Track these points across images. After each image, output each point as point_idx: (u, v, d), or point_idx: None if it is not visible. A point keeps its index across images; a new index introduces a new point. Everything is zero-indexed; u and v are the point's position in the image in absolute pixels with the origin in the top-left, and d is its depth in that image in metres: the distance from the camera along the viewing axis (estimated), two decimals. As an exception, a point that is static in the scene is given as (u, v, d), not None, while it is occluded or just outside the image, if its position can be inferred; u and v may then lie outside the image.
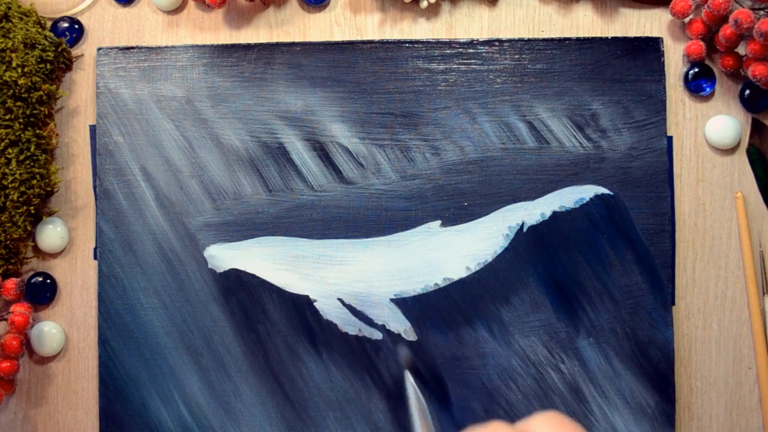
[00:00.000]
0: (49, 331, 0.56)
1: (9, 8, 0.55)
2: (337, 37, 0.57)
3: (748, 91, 0.55)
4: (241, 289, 0.55)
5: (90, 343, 0.57)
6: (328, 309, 0.55)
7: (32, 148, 0.54)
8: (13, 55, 0.53)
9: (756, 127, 0.56)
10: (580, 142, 0.55)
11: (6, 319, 0.54)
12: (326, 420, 0.54)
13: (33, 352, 0.56)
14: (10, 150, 0.54)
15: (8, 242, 0.54)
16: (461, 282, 0.54)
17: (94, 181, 0.57)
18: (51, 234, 0.56)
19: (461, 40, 0.56)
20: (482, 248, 0.54)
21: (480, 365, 0.54)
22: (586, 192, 0.55)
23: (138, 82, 0.56)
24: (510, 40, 0.56)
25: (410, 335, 0.54)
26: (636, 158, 0.55)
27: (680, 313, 0.55)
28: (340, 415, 0.54)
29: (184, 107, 0.56)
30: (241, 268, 0.55)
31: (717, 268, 0.56)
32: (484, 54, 0.56)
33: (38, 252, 0.57)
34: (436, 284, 0.54)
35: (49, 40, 0.56)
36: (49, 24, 0.58)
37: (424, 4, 0.56)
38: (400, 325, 0.54)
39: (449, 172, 0.55)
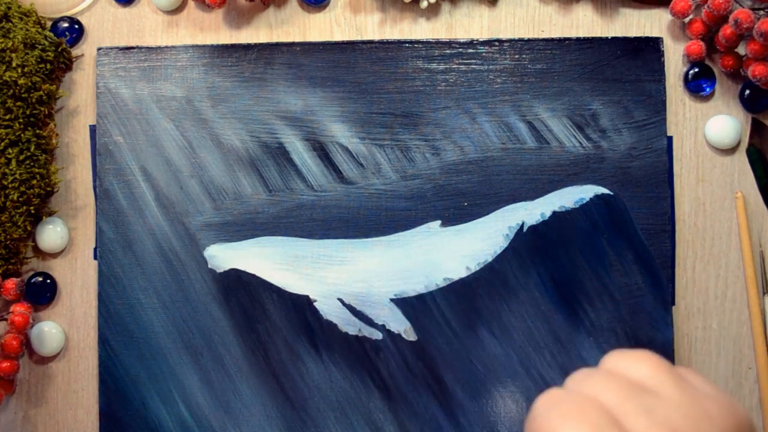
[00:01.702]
0: (49, 331, 0.56)
1: (9, 8, 0.55)
2: (337, 37, 0.57)
3: (748, 91, 0.55)
4: (241, 289, 0.55)
5: (90, 343, 0.57)
6: (328, 309, 0.55)
7: (32, 148, 0.54)
8: (13, 55, 0.53)
9: (756, 127, 0.56)
10: (580, 142, 0.55)
11: (6, 319, 0.54)
12: (326, 420, 0.54)
13: (33, 352, 0.56)
14: (10, 150, 0.54)
15: (8, 242, 0.54)
16: (461, 282, 0.54)
17: (94, 181, 0.57)
18: (51, 234, 0.56)
19: (461, 40, 0.56)
20: (482, 248, 0.54)
21: (480, 365, 0.54)
22: (586, 192, 0.55)
23: (138, 82, 0.56)
24: (510, 40, 0.56)
25: (410, 335, 0.54)
26: (636, 158, 0.55)
27: (680, 313, 0.55)
28: (340, 415, 0.54)
29: (184, 107, 0.56)
30: (241, 268, 0.55)
31: (717, 268, 0.56)
32: (484, 54, 0.56)
33: (38, 252, 0.57)
34: (436, 284, 0.54)
35: (49, 40, 0.56)
36: (49, 24, 0.58)
37: (424, 4, 0.56)
38: (400, 325, 0.54)
39: (449, 172, 0.55)
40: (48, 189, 0.56)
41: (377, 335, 0.54)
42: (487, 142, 0.55)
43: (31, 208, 0.55)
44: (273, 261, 0.55)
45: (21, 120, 0.54)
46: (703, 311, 0.55)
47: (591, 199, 0.55)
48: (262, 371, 0.55)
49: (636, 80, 0.55)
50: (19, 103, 0.54)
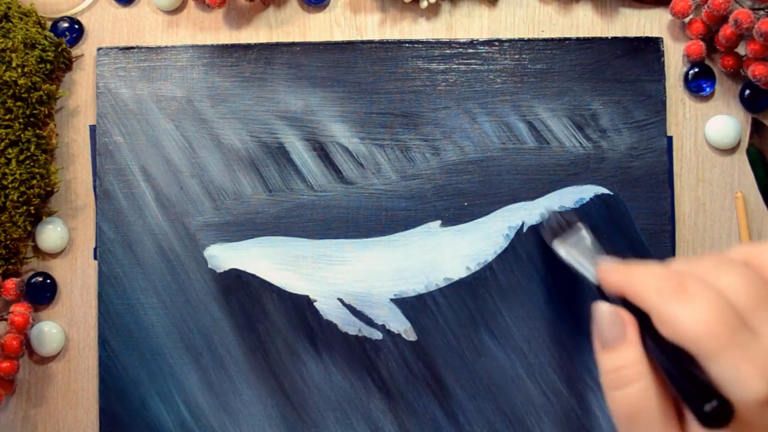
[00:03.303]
0: (49, 331, 0.56)
1: (9, 8, 0.55)
2: (337, 37, 0.57)
3: (748, 91, 0.55)
4: (241, 289, 0.55)
5: (90, 343, 0.57)
6: (328, 309, 0.55)
7: (32, 148, 0.54)
8: (13, 55, 0.53)
9: (756, 127, 0.56)
10: (580, 142, 0.55)
11: (6, 319, 0.54)
12: (326, 420, 0.54)
13: (33, 352, 0.56)
14: (10, 150, 0.54)
15: (8, 242, 0.54)
16: (461, 282, 0.54)
17: (94, 181, 0.57)
18: (51, 234, 0.56)
19: (461, 40, 0.56)
20: (482, 248, 0.54)
21: (480, 365, 0.54)
22: (586, 192, 0.55)
23: (138, 82, 0.56)
24: (510, 40, 0.56)
25: (410, 335, 0.54)
26: (636, 158, 0.55)
27: (680, 313, 0.55)
28: (340, 415, 0.54)
29: (184, 107, 0.56)
30: (241, 268, 0.55)
31: (717, 268, 0.55)
32: (484, 54, 0.56)
33: (38, 252, 0.57)
34: (436, 284, 0.54)
35: (49, 40, 0.56)
36: (49, 24, 0.58)
37: (424, 4, 0.56)
38: (400, 325, 0.54)
39: (449, 172, 0.55)
40: (48, 189, 0.56)
41: (377, 335, 0.54)
42: (487, 142, 0.55)
43: (31, 208, 0.55)
44: (273, 261, 0.55)
45: (21, 120, 0.54)
46: (703, 311, 0.55)
47: (591, 199, 0.55)
48: (262, 371, 0.55)
49: (636, 80, 0.55)
50: (19, 103, 0.54)
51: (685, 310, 0.29)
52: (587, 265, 0.43)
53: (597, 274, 0.38)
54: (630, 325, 0.33)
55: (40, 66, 0.55)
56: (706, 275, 0.30)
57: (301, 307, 0.55)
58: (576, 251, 0.45)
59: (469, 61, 0.56)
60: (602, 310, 0.34)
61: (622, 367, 0.32)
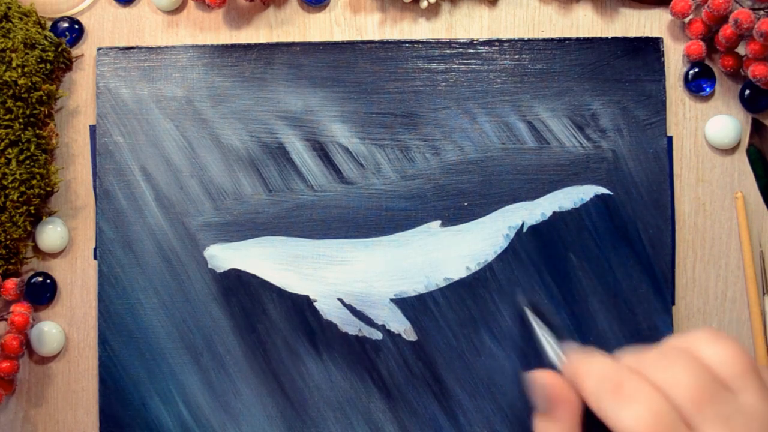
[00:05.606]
0: (49, 331, 0.56)
1: (9, 8, 0.55)
2: (337, 37, 0.57)
3: (748, 91, 0.55)
4: (241, 289, 0.55)
5: (90, 343, 0.57)
6: (328, 309, 0.55)
7: (32, 148, 0.54)
8: (13, 55, 0.53)
9: (756, 127, 0.56)
10: (580, 142, 0.55)
11: (6, 319, 0.54)
12: (326, 420, 0.54)
13: (33, 352, 0.56)
14: (10, 150, 0.54)
15: (8, 242, 0.54)
16: (461, 282, 0.54)
17: (94, 181, 0.57)
18: (51, 234, 0.56)
19: (461, 40, 0.56)
20: (482, 248, 0.54)
21: (480, 365, 0.54)
22: (586, 192, 0.55)
23: (138, 82, 0.56)
24: (510, 40, 0.56)
25: (410, 335, 0.54)
26: (636, 158, 0.55)
27: (680, 313, 0.55)
28: (340, 415, 0.54)
29: (184, 107, 0.56)
30: (241, 268, 0.55)
31: (717, 268, 0.56)
32: (484, 54, 0.56)
33: (38, 252, 0.57)
34: (436, 284, 0.54)
35: (49, 40, 0.56)
36: (49, 24, 0.58)
37: (424, 4, 0.56)
38: (400, 325, 0.54)
39: (449, 172, 0.55)
40: (48, 189, 0.56)
41: (377, 335, 0.54)
42: (487, 142, 0.55)
43: (31, 208, 0.55)
44: (273, 261, 0.55)
45: (21, 120, 0.54)
46: (703, 311, 0.55)
47: (591, 199, 0.55)
48: (262, 371, 0.55)
49: (636, 80, 0.55)
50: (19, 103, 0.54)
51: (624, 411, 0.29)
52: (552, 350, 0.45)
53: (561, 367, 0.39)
54: (566, 404, 0.33)
55: (40, 66, 0.55)
56: (649, 370, 0.30)
57: (301, 307, 0.55)
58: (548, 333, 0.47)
59: (469, 61, 0.56)
60: (538, 379, 0.35)
61: None
